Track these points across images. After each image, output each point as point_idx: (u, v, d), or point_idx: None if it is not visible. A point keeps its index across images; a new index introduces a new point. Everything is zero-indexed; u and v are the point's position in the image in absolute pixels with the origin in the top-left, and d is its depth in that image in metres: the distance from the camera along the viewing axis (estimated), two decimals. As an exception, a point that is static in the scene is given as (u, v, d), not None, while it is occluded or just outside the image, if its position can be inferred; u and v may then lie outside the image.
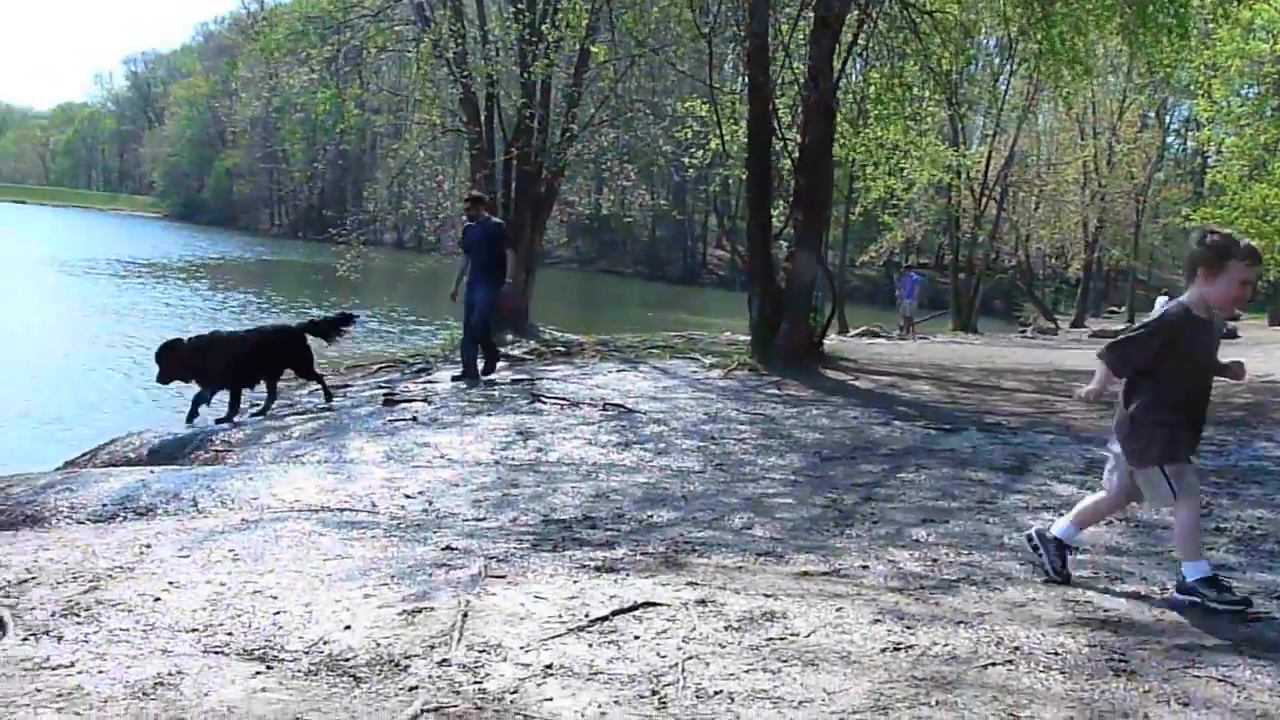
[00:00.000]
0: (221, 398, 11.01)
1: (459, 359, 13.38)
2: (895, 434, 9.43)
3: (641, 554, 5.26)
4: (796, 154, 14.83)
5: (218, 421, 10.47)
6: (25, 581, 4.68)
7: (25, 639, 3.92)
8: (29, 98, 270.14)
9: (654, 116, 21.84)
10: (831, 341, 17.67)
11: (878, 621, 4.18)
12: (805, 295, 14.28)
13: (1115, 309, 50.60)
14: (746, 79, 15.32)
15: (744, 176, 15.79)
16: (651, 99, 21.93)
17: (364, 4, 19.36)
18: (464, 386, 12.10)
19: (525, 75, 18.43)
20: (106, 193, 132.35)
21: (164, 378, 10.44)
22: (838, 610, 4.31)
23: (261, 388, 11.28)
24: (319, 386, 11.63)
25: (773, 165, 15.14)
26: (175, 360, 10.34)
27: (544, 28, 17.53)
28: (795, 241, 14.48)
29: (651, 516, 6.24)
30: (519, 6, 18.21)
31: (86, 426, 12.32)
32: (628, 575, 4.79)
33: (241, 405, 10.90)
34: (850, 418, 10.33)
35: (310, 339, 11.52)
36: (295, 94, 21.86)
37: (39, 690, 3.47)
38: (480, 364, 12.80)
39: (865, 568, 5.11)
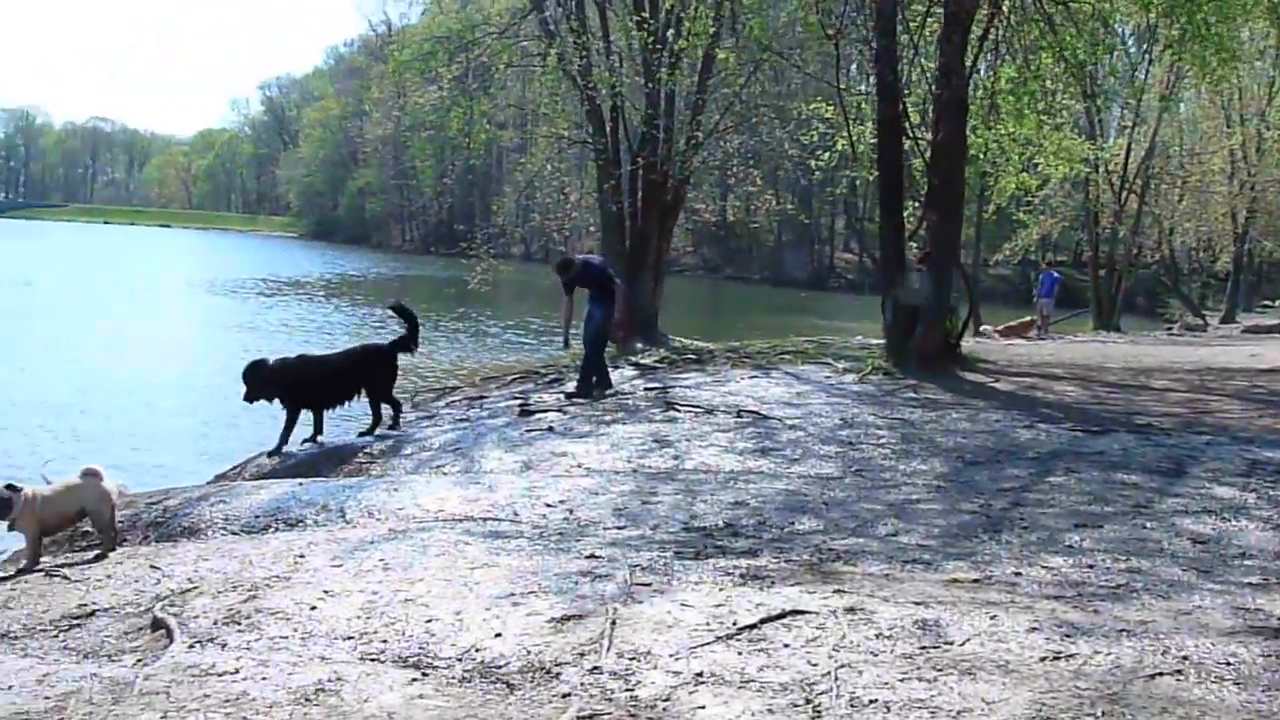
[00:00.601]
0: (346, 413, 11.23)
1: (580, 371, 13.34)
2: (1040, 437, 9.15)
3: (786, 562, 5.21)
4: (928, 153, 14.56)
5: (304, 441, 10.59)
6: (188, 591, 4.87)
7: (191, 646, 4.07)
8: (171, 126, 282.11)
9: (779, 120, 21.67)
10: (969, 343, 17.27)
11: (1035, 630, 4.05)
12: (941, 297, 13.97)
13: (1269, 303, 48.30)
14: (875, 79, 15.07)
15: (872, 178, 15.51)
16: (776, 103, 21.78)
17: (490, 22, 19.66)
18: (597, 396, 12.17)
19: (649, 85, 18.51)
20: (245, 215, 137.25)
21: (250, 396, 10.58)
22: (992, 618, 4.19)
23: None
24: (392, 411, 11.12)
25: (904, 165, 14.88)
26: (260, 380, 10.48)
27: (669, 35, 17.57)
28: (929, 242, 14.20)
29: (793, 524, 6.17)
30: (642, 16, 18.30)
31: (236, 440, 12.76)
32: (774, 583, 4.74)
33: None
34: (992, 421, 10.06)
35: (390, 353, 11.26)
36: (425, 112, 22.32)
37: (207, 696, 3.59)
38: (575, 384, 12.80)
39: (1018, 575, 4.97)
